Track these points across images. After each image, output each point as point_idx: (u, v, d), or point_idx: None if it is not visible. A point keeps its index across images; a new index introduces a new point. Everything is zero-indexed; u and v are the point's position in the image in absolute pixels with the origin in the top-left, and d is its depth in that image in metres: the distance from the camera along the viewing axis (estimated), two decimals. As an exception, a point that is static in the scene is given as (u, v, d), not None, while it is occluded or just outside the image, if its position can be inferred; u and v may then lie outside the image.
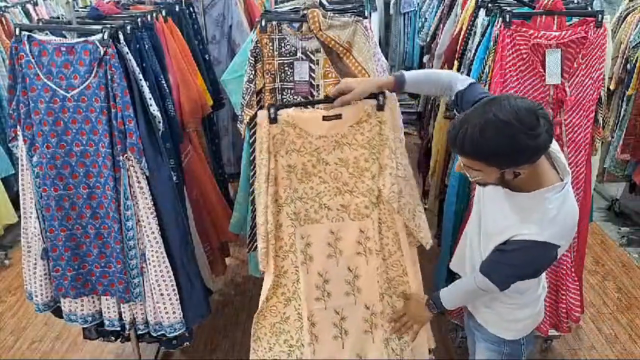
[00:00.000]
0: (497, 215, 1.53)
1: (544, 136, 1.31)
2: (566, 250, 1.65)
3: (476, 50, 2.31)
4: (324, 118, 1.68)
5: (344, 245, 1.78)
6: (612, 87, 3.29)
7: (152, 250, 2.05)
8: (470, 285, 1.63)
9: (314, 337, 1.76)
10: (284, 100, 2.10)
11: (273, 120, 1.66)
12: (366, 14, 2.09)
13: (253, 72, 2.05)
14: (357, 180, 1.74)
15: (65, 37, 1.95)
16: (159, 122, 2.01)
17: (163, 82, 2.13)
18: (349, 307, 1.80)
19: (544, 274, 1.69)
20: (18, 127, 1.98)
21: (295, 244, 1.74)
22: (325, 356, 1.77)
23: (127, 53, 1.90)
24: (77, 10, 2.35)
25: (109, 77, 1.86)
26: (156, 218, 2.03)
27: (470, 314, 1.82)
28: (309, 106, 1.80)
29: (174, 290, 2.11)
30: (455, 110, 1.78)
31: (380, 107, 1.70)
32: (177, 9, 2.57)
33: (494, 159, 1.36)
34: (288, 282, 1.78)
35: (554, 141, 1.45)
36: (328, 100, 1.70)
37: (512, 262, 1.49)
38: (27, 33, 1.88)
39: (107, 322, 2.23)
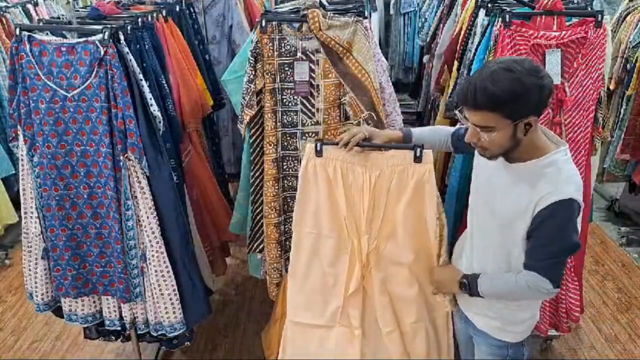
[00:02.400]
0: (509, 197, 1.50)
1: (547, 77, 1.37)
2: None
3: (476, 50, 2.31)
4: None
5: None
6: (612, 87, 3.29)
7: (153, 250, 2.05)
8: (519, 284, 1.52)
9: None
10: (284, 100, 2.10)
11: (319, 153, 1.78)
12: (366, 14, 2.09)
13: (253, 72, 2.06)
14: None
15: (65, 37, 1.96)
16: (160, 122, 2.01)
17: (163, 82, 2.13)
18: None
19: None
20: (19, 127, 1.99)
21: None
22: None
23: (128, 53, 1.90)
24: (78, 11, 2.35)
25: (110, 77, 1.87)
26: (156, 218, 2.03)
27: (466, 320, 1.78)
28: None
29: (174, 290, 2.11)
30: (455, 152, 1.88)
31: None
32: (177, 9, 2.57)
33: (508, 106, 1.36)
34: None
35: None
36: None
37: (548, 235, 1.44)
38: (27, 33, 1.88)
39: (107, 322, 2.23)
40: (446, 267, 1.77)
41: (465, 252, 1.76)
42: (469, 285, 1.63)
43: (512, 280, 1.54)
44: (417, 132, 1.79)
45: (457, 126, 1.74)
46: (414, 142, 1.73)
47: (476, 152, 1.62)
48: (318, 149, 1.75)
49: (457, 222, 2.34)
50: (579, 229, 1.49)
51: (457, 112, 1.53)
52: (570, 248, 1.48)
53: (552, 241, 1.45)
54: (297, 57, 2.05)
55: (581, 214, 1.46)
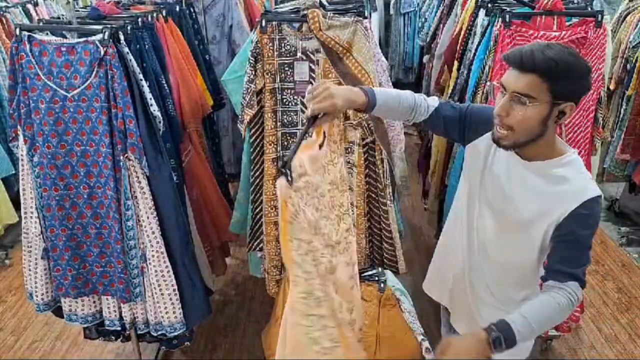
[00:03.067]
0: (528, 197, 1.39)
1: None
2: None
3: (476, 50, 2.31)
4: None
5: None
6: (612, 87, 3.29)
7: (153, 250, 2.05)
8: (561, 305, 1.30)
9: None
10: (284, 100, 2.10)
11: (291, 181, 1.30)
12: (366, 14, 2.09)
13: (253, 72, 2.06)
14: (342, 196, 1.51)
15: (65, 37, 1.96)
16: (160, 122, 2.01)
17: (163, 82, 2.13)
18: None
19: None
20: (18, 127, 1.98)
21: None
22: None
23: (128, 53, 1.90)
24: (78, 11, 2.35)
25: (110, 77, 1.87)
26: (156, 218, 2.03)
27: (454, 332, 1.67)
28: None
29: (174, 290, 2.11)
30: (425, 125, 1.57)
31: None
32: (177, 9, 2.57)
33: (558, 77, 1.26)
34: None
35: None
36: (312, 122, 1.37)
37: (587, 236, 1.35)
38: (27, 33, 1.88)
39: (107, 322, 2.23)
40: (456, 338, 1.40)
41: (466, 277, 1.59)
42: (505, 340, 1.25)
43: (552, 303, 1.30)
44: (381, 96, 1.44)
45: (443, 100, 1.55)
46: (377, 108, 1.43)
47: (468, 154, 1.53)
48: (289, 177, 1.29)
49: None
50: None
51: (493, 83, 1.43)
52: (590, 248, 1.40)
53: (588, 242, 1.37)
54: (297, 57, 2.05)
55: None
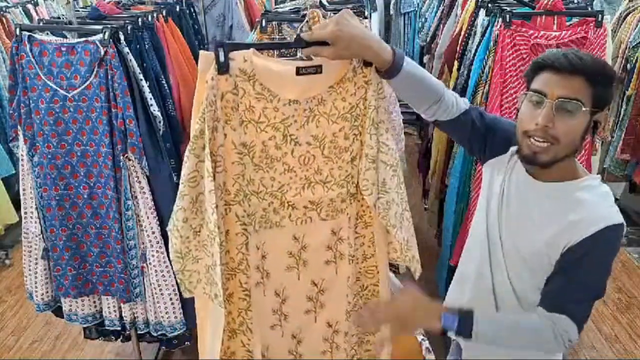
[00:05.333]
0: (543, 222, 1.25)
1: None
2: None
3: (476, 51, 2.31)
4: (299, 71, 1.15)
5: (309, 254, 1.34)
6: (612, 87, 3.30)
7: (153, 250, 2.05)
8: (539, 330, 1.18)
9: None
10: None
11: (223, 67, 1.10)
12: (366, 14, 2.09)
13: (253, 72, 2.05)
14: (334, 165, 1.27)
15: (65, 37, 1.96)
16: (160, 122, 2.01)
17: (163, 82, 2.13)
18: (307, 327, 1.40)
19: None
20: (19, 127, 1.98)
21: (248, 258, 1.28)
22: None
23: (128, 53, 1.90)
24: (78, 11, 2.35)
25: (110, 77, 1.86)
26: (157, 218, 2.03)
27: None
28: (275, 54, 1.40)
29: (174, 290, 2.11)
30: (441, 126, 1.40)
31: (368, 62, 1.19)
32: (177, 9, 2.57)
33: (601, 80, 1.16)
34: (234, 309, 1.33)
35: None
36: (302, 44, 1.15)
37: (593, 269, 1.19)
38: (27, 33, 1.88)
39: (107, 322, 2.23)
40: (406, 297, 1.26)
41: (488, 298, 1.39)
42: (462, 321, 1.17)
43: (528, 325, 1.19)
44: (410, 65, 1.19)
45: (471, 105, 1.39)
46: (400, 75, 1.17)
47: (488, 173, 1.40)
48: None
49: (457, 222, 2.34)
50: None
51: (524, 93, 1.24)
52: (604, 288, 1.22)
53: (595, 277, 1.20)
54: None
55: None
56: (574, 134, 1.17)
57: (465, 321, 1.17)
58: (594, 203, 1.21)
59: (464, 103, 1.36)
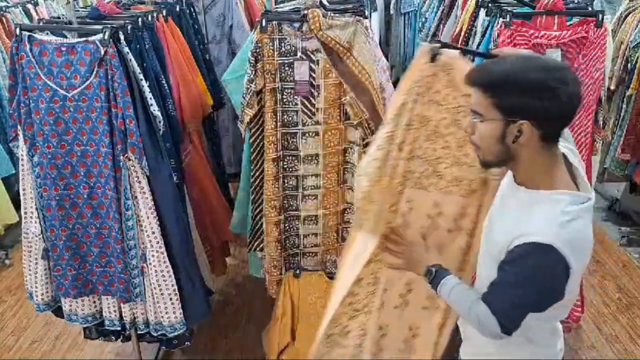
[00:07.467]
0: (503, 225, 1.32)
1: (567, 90, 1.14)
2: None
3: (476, 50, 2.31)
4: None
5: (442, 220, 1.60)
6: (612, 87, 3.29)
7: (153, 250, 2.05)
8: (470, 311, 1.32)
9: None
10: (284, 100, 2.10)
11: (433, 59, 1.42)
12: (366, 14, 2.09)
13: (253, 72, 2.06)
14: None
15: (65, 37, 1.96)
16: (160, 122, 2.01)
17: (163, 82, 2.13)
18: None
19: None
20: (19, 127, 1.99)
21: (399, 209, 1.55)
22: None
23: (128, 53, 1.90)
24: (78, 10, 2.35)
25: (110, 77, 1.86)
26: (156, 218, 2.03)
27: None
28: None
29: (174, 290, 2.11)
30: None
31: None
32: (177, 9, 2.57)
33: (499, 91, 1.18)
34: (362, 292, 1.62)
35: (576, 156, 1.33)
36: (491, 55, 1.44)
37: (515, 277, 1.22)
38: (27, 33, 1.88)
39: (107, 322, 2.23)
40: (417, 246, 1.57)
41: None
42: (435, 275, 1.42)
43: (467, 303, 1.34)
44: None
45: None
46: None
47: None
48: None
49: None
50: (566, 291, 1.23)
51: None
52: (536, 304, 1.26)
53: (517, 284, 1.23)
54: (297, 57, 2.05)
55: (571, 277, 1.21)
56: (486, 141, 1.25)
57: (435, 279, 1.43)
58: (540, 217, 1.21)
59: None
